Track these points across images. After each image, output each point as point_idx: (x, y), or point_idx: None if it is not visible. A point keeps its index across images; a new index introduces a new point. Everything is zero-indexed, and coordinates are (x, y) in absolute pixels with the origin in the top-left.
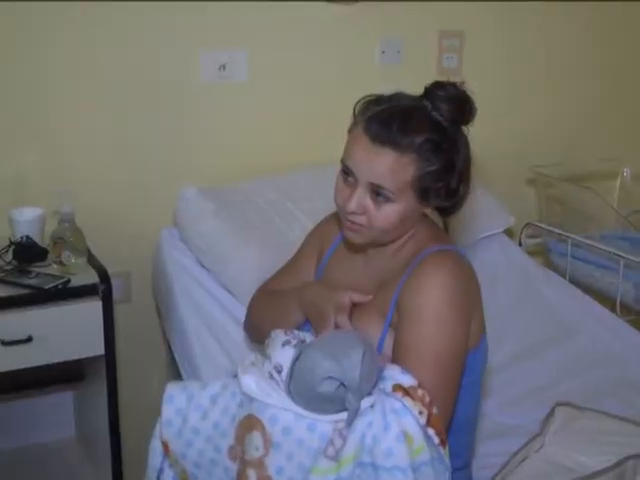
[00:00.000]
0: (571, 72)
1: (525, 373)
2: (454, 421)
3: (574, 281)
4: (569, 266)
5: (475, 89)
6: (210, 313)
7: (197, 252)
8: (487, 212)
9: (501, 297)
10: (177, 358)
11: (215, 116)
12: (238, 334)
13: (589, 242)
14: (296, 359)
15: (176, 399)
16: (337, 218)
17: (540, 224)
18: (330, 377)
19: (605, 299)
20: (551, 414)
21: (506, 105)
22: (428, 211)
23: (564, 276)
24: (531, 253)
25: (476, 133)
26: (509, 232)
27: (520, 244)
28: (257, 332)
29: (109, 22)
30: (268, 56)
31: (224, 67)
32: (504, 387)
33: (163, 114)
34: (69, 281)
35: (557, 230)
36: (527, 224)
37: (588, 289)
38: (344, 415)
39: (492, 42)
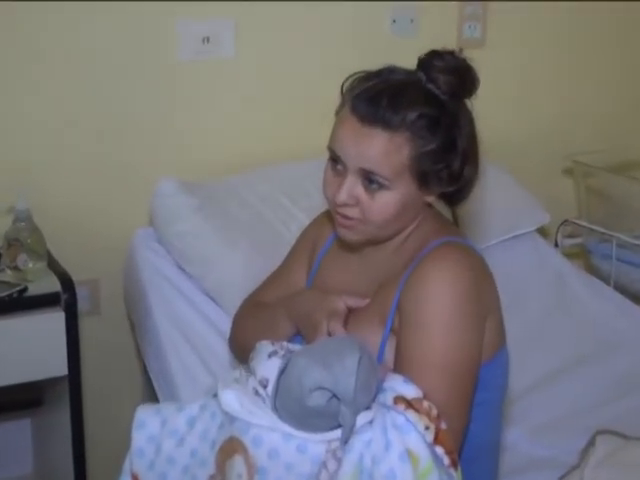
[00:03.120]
0: (614, 45)
1: (559, 396)
2: (470, 446)
3: (620, 288)
4: (614, 270)
5: (501, 63)
6: (191, 325)
7: (176, 255)
8: (517, 207)
9: (533, 306)
10: (153, 378)
11: (197, 98)
12: (223, 349)
13: (637, 242)
14: (283, 370)
15: (148, 424)
16: (330, 216)
17: (579, 221)
18: (321, 388)
19: None
20: (591, 444)
21: (537, 83)
22: (431, 200)
23: (608, 282)
24: (569, 255)
25: (503, 116)
26: (543, 231)
27: (556, 245)
28: (242, 349)
29: None
30: (259, 27)
31: (207, 40)
32: (533, 412)
33: (135, 96)
34: (26, 289)
35: (599, 228)
36: (564, 222)
37: (636, 297)
38: (339, 433)
39: (521, 8)
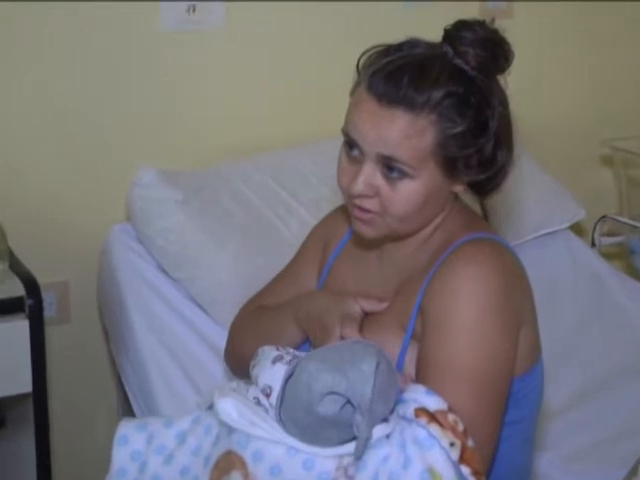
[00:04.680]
0: None
1: (596, 416)
2: (498, 469)
3: None
4: None
5: (528, 36)
6: (175, 335)
7: (158, 255)
8: (547, 201)
9: (566, 313)
10: (130, 395)
11: (181, 76)
12: (211, 361)
13: None
14: (289, 377)
15: (132, 440)
16: (344, 212)
17: (620, 217)
18: (333, 392)
19: None
20: (633, 472)
21: (570, 59)
22: (460, 190)
23: None
24: (607, 255)
25: (530, 95)
26: (578, 228)
27: (593, 244)
28: (241, 360)
29: None
30: None
31: (193, 9)
32: (567, 435)
33: (111, 73)
34: None
35: None
36: (602, 217)
37: None
38: (351, 447)
39: None
